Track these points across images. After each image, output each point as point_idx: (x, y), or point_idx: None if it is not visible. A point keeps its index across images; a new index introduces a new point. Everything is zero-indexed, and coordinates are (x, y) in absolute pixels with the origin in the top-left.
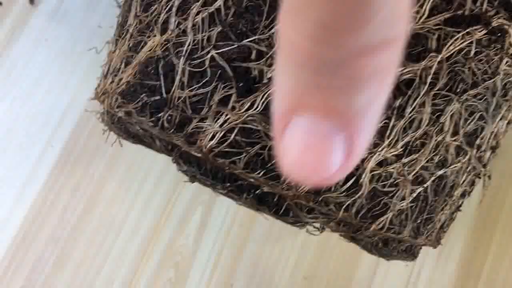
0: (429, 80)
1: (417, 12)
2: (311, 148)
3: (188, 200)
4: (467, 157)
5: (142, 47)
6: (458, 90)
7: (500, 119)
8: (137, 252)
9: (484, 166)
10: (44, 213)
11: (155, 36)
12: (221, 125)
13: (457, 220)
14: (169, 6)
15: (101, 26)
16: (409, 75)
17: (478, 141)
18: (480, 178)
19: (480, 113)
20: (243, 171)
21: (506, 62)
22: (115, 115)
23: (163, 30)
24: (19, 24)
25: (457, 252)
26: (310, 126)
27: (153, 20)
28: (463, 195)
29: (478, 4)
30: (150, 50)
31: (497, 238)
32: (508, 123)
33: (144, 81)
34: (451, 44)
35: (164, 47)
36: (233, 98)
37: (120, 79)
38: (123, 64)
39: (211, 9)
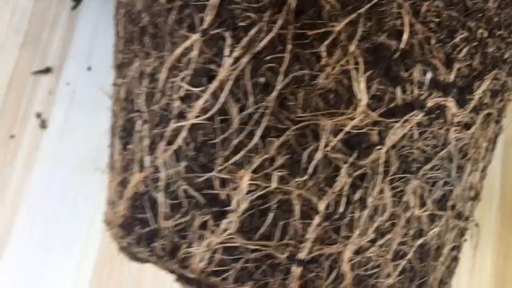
0: (380, 169)
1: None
2: None
3: None
4: (443, 219)
5: (128, 182)
6: (412, 169)
7: (469, 175)
8: None
9: (467, 218)
10: None
11: (135, 173)
12: (206, 248)
13: (481, 230)
14: (141, 146)
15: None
16: (360, 170)
17: (450, 203)
18: (467, 229)
19: (443, 180)
20: (234, 285)
21: (455, 130)
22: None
23: (141, 167)
24: (33, 150)
25: (489, 262)
26: None
27: (132, 157)
28: (453, 248)
29: (408, 92)
30: (134, 186)
31: None
32: (482, 170)
33: (136, 214)
34: (392, 134)
35: (145, 183)
36: (211, 222)
37: (117, 212)
38: (117, 197)
39: (174, 146)
